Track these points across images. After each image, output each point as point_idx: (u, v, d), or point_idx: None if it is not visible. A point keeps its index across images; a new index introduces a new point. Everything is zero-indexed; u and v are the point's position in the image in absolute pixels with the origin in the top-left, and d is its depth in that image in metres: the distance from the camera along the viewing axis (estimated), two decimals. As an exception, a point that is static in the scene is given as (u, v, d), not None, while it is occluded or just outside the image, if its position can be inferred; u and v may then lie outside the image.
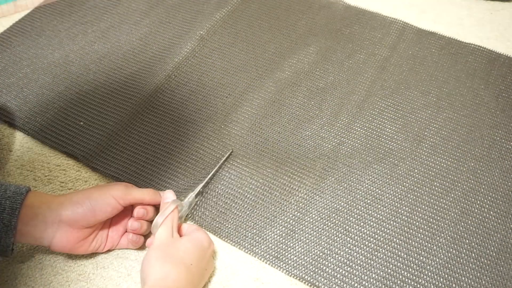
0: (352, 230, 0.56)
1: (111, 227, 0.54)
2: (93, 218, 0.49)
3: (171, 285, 0.45)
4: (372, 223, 0.56)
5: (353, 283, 0.52)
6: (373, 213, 0.57)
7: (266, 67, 0.74)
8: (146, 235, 0.56)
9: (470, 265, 0.53)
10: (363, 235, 0.55)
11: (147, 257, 0.47)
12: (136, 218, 0.53)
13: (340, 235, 0.56)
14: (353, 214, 0.57)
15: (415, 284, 0.52)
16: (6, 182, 0.57)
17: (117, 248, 0.54)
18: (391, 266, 0.53)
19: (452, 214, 0.57)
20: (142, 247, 0.55)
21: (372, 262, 0.53)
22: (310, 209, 0.58)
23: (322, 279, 0.52)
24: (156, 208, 0.55)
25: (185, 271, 0.46)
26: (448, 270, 0.53)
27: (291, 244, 0.55)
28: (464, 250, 0.54)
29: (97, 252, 0.53)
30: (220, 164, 0.61)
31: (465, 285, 0.52)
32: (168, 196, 0.53)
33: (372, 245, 0.55)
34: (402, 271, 0.53)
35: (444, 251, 0.54)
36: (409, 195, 0.59)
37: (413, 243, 0.55)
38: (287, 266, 0.53)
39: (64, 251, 0.50)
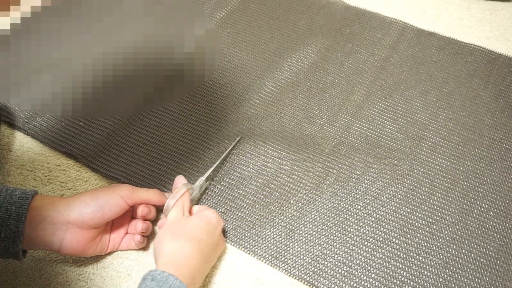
0: (352, 230, 0.56)
1: (113, 229, 0.54)
2: (101, 218, 0.49)
3: (183, 259, 0.46)
4: (371, 223, 0.57)
5: (352, 283, 0.52)
6: (372, 213, 0.57)
7: (266, 67, 0.74)
8: (150, 236, 0.56)
9: (470, 265, 0.53)
10: (363, 235, 0.56)
11: (159, 236, 0.49)
12: (141, 216, 0.53)
13: (339, 235, 0.56)
14: (352, 214, 0.57)
15: (414, 284, 0.52)
16: (10, 186, 0.58)
17: (117, 250, 0.55)
18: (390, 266, 0.53)
19: (452, 214, 0.57)
20: (142, 247, 0.55)
21: (371, 262, 0.54)
22: (310, 209, 0.58)
23: (322, 279, 0.52)
24: (159, 209, 0.56)
25: (197, 245, 0.48)
26: (447, 270, 0.53)
27: (291, 244, 0.55)
28: (464, 250, 0.55)
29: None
30: (229, 149, 0.62)
31: (464, 285, 0.52)
32: (179, 181, 0.55)
33: (372, 245, 0.55)
34: (401, 271, 0.53)
35: (443, 251, 0.54)
36: (408, 195, 0.59)
37: (413, 243, 0.55)
38: (286, 266, 0.53)
39: (74, 253, 0.50)
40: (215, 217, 0.52)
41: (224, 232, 0.56)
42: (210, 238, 0.50)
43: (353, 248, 0.55)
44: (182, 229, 0.49)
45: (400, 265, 0.53)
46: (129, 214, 0.55)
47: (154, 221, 0.57)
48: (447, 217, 0.57)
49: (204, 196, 0.59)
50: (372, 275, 0.53)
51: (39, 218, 0.47)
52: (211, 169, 0.59)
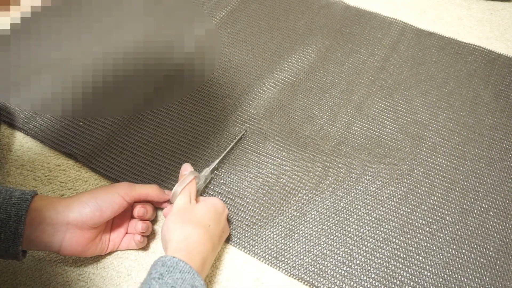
0: (352, 230, 0.56)
1: (113, 229, 0.54)
2: (100, 217, 0.49)
3: (192, 245, 0.46)
4: (371, 223, 0.57)
5: (352, 283, 0.52)
6: (372, 213, 0.57)
7: (266, 67, 0.74)
8: (150, 236, 0.56)
9: (470, 265, 0.53)
10: (363, 235, 0.56)
11: (166, 222, 0.49)
12: (137, 217, 0.53)
13: (339, 235, 0.56)
14: (352, 214, 0.57)
15: (414, 284, 0.52)
16: (10, 186, 0.57)
17: (118, 250, 0.55)
18: (390, 266, 0.53)
19: (452, 214, 0.57)
20: (142, 247, 0.55)
21: (371, 262, 0.54)
22: (310, 209, 0.58)
23: (321, 279, 0.52)
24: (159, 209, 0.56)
25: (205, 231, 0.48)
26: (447, 270, 0.53)
27: (291, 244, 0.55)
28: (464, 250, 0.54)
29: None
30: (234, 142, 0.63)
31: (464, 286, 0.52)
32: (186, 168, 0.56)
33: (372, 245, 0.55)
34: (401, 271, 0.53)
35: (443, 251, 0.54)
36: (408, 195, 0.59)
37: (413, 243, 0.55)
38: (286, 266, 0.53)
39: (74, 254, 0.50)
40: (220, 204, 0.53)
41: (228, 220, 0.56)
42: (217, 225, 0.51)
43: (353, 248, 0.55)
44: (190, 215, 0.50)
45: (400, 265, 0.53)
46: (129, 213, 0.55)
47: (154, 221, 0.57)
48: (447, 217, 0.57)
49: (204, 195, 0.59)
50: (372, 275, 0.53)
51: (38, 219, 0.46)
52: (216, 161, 0.59)
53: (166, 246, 0.48)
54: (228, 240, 0.55)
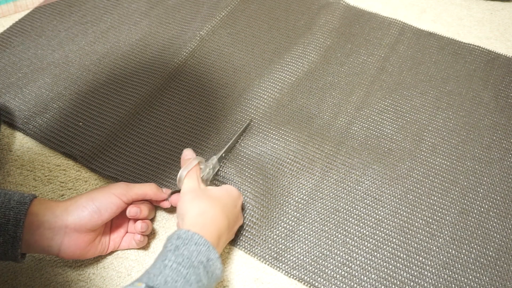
0: (352, 230, 0.56)
1: (113, 229, 0.54)
2: (99, 219, 0.49)
3: (209, 220, 0.47)
4: (371, 224, 0.57)
5: (352, 283, 0.52)
6: (372, 214, 0.57)
7: (265, 67, 0.74)
8: (150, 235, 0.56)
9: (470, 265, 0.53)
10: (363, 236, 0.56)
11: (181, 200, 0.49)
12: (130, 217, 0.53)
13: (339, 235, 0.56)
14: (352, 214, 0.57)
15: (415, 284, 0.52)
16: (9, 188, 0.57)
17: (118, 249, 0.55)
18: (390, 266, 0.53)
19: (452, 214, 0.58)
20: (142, 247, 0.55)
21: (371, 262, 0.54)
22: (310, 209, 0.58)
23: (322, 280, 0.52)
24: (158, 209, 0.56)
25: (221, 210, 0.49)
26: (447, 271, 0.53)
27: (291, 245, 0.55)
28: (464, 251, 0.55)
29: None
30: (240, 132, 0.63)
31: (464, 286, 0.52)
32: (187, 154, 0.56)
33: (372, 246, 0.55)
34: (402, 272, 0.53)
35: (443, 252, 0.54)
36: (408, 195, 0.59)
37: (413, 243, 0.55)
38: (286, 267, 0.53)
39: (74, 257, 0.50)
40: (235, 191, 0.54)
41: (242, 208, 0.56)
42: (233, 209, 0.51)
43: (353, 248, 0.55)
44: (206, 194, 0.50)
45: (400, 266, 0.53)
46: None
47: (153, 220, 0.57)
48: (447, 217, 0.57)
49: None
50: (372, 276, 0.53)
51: (36, 223, 0.46)
52: (223, 150, 0.60)
53: (182, 219, 0.48)
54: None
